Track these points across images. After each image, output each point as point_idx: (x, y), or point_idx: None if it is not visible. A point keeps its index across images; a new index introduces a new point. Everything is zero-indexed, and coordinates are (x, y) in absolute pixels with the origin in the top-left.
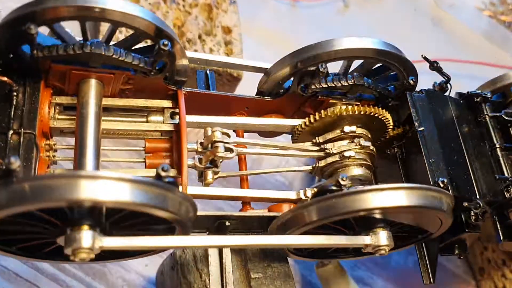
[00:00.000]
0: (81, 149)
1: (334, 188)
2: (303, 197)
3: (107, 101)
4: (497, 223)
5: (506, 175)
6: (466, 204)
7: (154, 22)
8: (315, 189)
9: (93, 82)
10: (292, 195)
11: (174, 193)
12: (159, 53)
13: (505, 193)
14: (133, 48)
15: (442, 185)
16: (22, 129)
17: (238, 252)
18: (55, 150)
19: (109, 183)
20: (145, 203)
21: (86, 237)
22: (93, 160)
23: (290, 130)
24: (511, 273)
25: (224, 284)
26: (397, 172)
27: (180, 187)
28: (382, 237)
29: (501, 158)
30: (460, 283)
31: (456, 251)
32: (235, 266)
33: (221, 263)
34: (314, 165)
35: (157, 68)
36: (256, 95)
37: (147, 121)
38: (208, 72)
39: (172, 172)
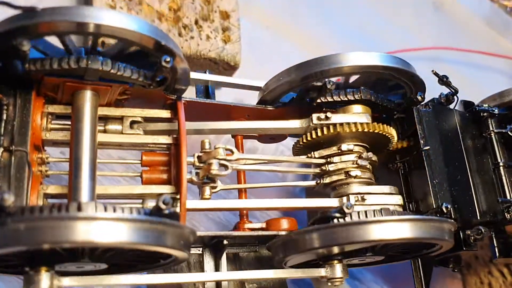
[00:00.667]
0: (76, 166)
1: (338, 215)
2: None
3: (103, 111)
4: (494, 239)
5: (508, 194)
6: (469, 232)
7: (155, 37)
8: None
9: (88, 94)
10: (333, 202)
11: (174, 228)
12: (160, 69)
13: (505, 213)
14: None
15: (445, 211)
16: (13, 146)
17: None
18: (48, 163)
19: (105, 225)
20: (143, 242)
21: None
22: (88, 181)
23: (289, 133)
24: (498, 271)
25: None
26: (398, 187)
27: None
28: (337, 270)
29: (504, 177)
30: (446, 277)
31: (451, 265)
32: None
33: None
34: (317, 181)
35: (157, 80)
36: (257, 103)
37: (144, 133)
38: (209, 86)
39: (173, 205)
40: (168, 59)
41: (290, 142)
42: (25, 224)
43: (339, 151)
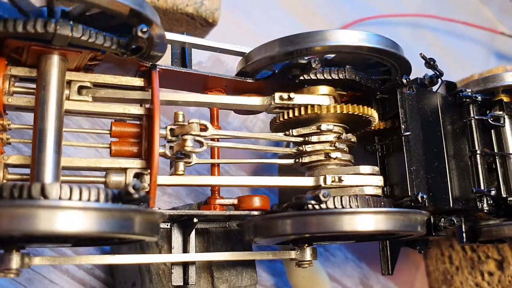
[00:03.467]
0: (40, 138)
1: (313, 202)
2: (323, 185)
3: (71, 76)
4: (462, 225)
5: (482, 182)
6: (441, 221)
7: (130, 4)
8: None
9: (55, 59)
10: (309, 181)
11: (144, 215)
12: (135, 39)
13: (477, 203)
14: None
15: (420, 201)
16: None
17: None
18: (9, 129)
19: (71, 214)
20: (111, 231)
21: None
22: (53, 155)
23: (264, 110)
24: (459, 244)
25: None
26: None
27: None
28: (307, 254)
29: (479, 165)
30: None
31: (418, 247)
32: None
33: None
34: (296, 160)
35: (131, 48)
36: (236, 75)
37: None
38: (185, 50)
39: (143, 190)
40: (145, 29)
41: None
42: None
43: (318, 130)
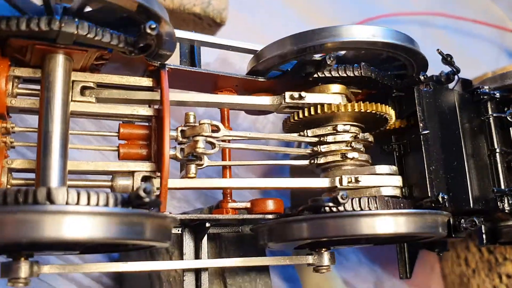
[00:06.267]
0: (45, 141)
1: (331, 204)
2: (339, 186)
3: (77, 77)
4: (482, 226)
5: (502, 181)
6: (462, 221)
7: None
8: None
9: (60, 58)
10: (324, 182)
11: (155, 220)
12: (144, 36)
13: (498, 203)
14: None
15: (441, 201)
16: None
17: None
18: (13, 133)
19: (79, 220)
20: (121, 237)
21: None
22: (59, 159)
23: (275, 110)
24: (475, 246)
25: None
26: None
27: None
28: (325, 258)
29: (499, 164)
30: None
31: (437, 249)
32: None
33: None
34: (310, 161)
35: (139, 47)
36: (247, 74)
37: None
38: (194, 48)
39: (154, 193)
40: (153, 25)
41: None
42: None
43: (334, 131)
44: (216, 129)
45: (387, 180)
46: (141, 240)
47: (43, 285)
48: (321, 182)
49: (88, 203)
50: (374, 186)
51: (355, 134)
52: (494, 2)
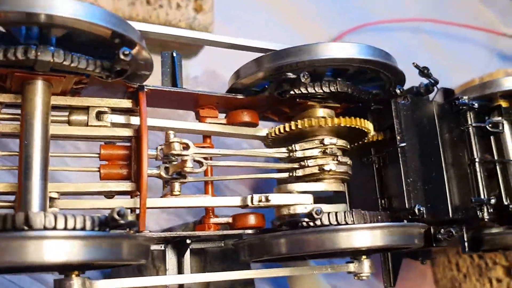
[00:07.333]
0: (26, 165)
1: (306, 220)
2: (250, 204)
3: (57, 100)
4: (464, 234)
5: (482, 191)
6: (442, 231)
7: (112, 27)
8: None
9: (39, 84)
10: (236, 201)
11: (131, 241)
12: (118, 61)
13: (478, 212)
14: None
15: (417, 213)
16: None
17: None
18: None
19: (57, 244)
20: (97, 259)
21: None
22: (39, 181)
23: (263, 140)
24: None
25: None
26: (372, 183)
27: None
28: (365, 266)
29: (478, 173)
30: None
31: (420, 258)
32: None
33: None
34: (290, 174)
35: (115, 71)
36: (227, 91)
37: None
38: (174, 54)
39: (129, 216)
40: (127, 51)
41: None
42: None
43: (321, 144)
44: (186, 147)
45: (299, 198)
46: (116, 261)
47: None
48: (233, 201)
49: (66, 227)
50: (285, 205)
51: (333, 147)
52: (485, 6)
